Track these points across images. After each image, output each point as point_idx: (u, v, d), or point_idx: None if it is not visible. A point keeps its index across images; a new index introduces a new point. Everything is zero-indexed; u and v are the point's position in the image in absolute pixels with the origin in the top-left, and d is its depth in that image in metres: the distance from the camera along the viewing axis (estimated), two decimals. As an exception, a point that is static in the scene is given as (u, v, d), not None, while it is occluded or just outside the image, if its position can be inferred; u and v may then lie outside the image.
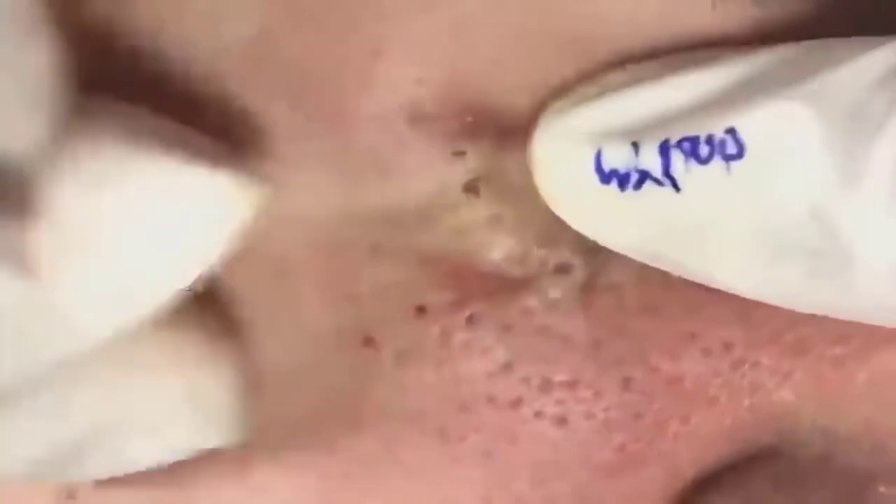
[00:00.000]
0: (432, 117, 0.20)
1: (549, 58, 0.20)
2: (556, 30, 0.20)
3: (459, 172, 0.20)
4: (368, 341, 0.21)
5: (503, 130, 0.20)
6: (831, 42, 0.19)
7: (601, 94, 0.20)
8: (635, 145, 0.19)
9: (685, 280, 0.20)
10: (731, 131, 0.18)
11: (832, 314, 0.19)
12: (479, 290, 0.21)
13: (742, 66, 0.19)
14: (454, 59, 0.20)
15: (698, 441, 0.22)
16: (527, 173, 0.20)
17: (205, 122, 0.19)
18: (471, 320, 0.21)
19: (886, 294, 0.18)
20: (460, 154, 0.20)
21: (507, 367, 0.21)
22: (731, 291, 0.20)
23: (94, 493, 0.22)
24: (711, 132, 0.18)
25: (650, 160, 0.19)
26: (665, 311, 0.21)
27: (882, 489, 0.23)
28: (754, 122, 0.18)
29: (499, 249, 0.21)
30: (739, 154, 0.18)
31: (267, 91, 0.20)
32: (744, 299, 0.20)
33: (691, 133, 0.19)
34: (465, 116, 0.20)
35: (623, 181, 0.19)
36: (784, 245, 0.18)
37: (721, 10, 0.20)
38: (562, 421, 0.21)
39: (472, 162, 0.20)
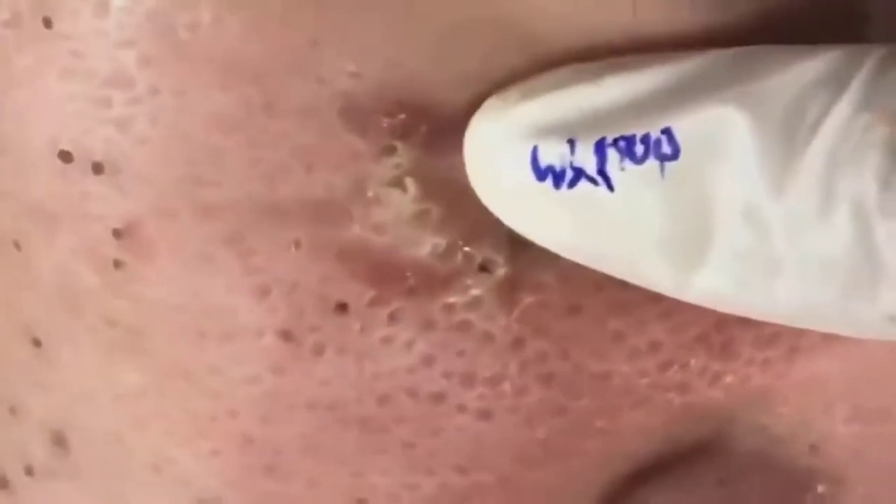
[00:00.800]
0: (365, 112, 0.20)
1: (488, 54, 0.20)
2: (497, 26, 0.20)
3: (387, 167, 0.20)
4: (287, 335, 0.21)
5: (436, 126, 0.20)
6: (769, 48, 0.19)
7: (540, 90, 0.20)
8: (571, 142, 0.19)
9: (613, 281, 0.20)
10: (666, 131, 0.18)
11: (761, 318, 0.19)
12: (402, 287, 0.21)
13: (681, 68, 0.19)
14: (391, 54, 0.20)
15: (628, 437, 0.22)
16: (454, 170, 0.20)
17: None
18: (392, 317, 0.21)
19: (811, 298, 0.18)
20: (390, 149, 0.20)
21: (429, 361, 0.21)
22: (662, 293, 0.20)
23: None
24: (647, 131, 0.19)
25: (585, 158, 0.19)
26: (591, 312, 0.21)
27: (821, 489, 0.23)
28: (690, 124, 0.18)
29: (423, 246, 0.21)
30: (674, 155, 0.18)
31: (196, 77, 0.20)
32: (671, 300, 0.20)
33: (627, 132, 0.19)
34: (398, 112, 0.20)
35: (558, 179, 0.19)
36: (715, 247, 0.19)
37: (666, 14, 0.20)
38: (485, 415, 0.21)
39: (401, 157, 0.20)
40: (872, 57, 0.18)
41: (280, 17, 0.20)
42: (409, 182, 0.20)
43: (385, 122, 0.20)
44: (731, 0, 0.20)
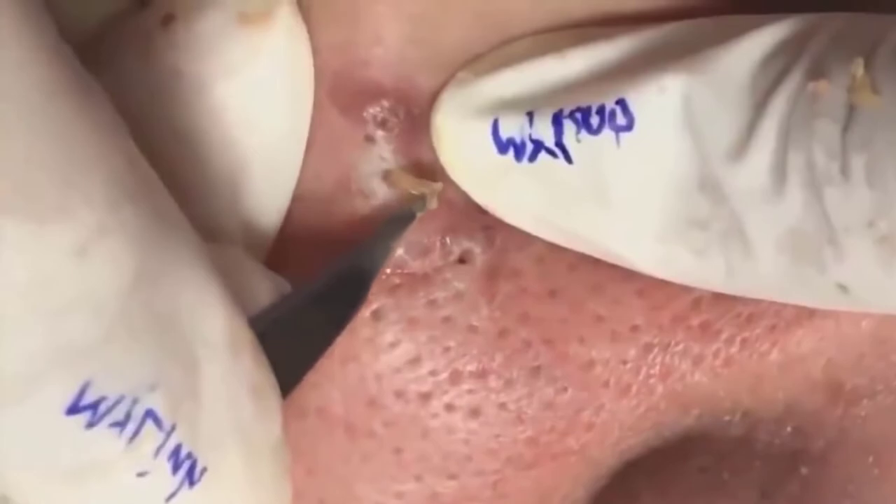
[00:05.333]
0: (351, 93, 0.21)
1: (464, 36, 0.21)
2: (473, 6, 0.21)
3: (372, 158, 0.21)
4: None
5: (416, 113, 0.21)
6: (724, 19, 0.20)
7: (502, 64, 0.20)
8: (530, 115, 0.20)
9: (585, 260, 0.21)
10: (620, 102, 0.19)
11: (720, 289, 0.20)
12: (384, 284, 0.21)
13: (638, 41, 0.20)
14: (374, 33, 0.21)
15: (614, 429, 0.22)
16: (429, 159, 0.21)
17: None
18: (375, 315, 0.21)
19: (767, 267, 0.19)
20: (373, 138, 0.21)
21: (415, 361, 0.21)
22: (627, 266, 0.20)
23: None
24: (602, 103, 0.19)
25: (543, 130, 0.19)
26: (569, 294, 0.22)
27: (804, 470, 0.23)
28: (644, 95, 0.19)
29: (402, 242, 0.21)
30: (629, 126, 0.19)
31: None
32: (644, 280, 0.21)
33: (584, 104, 0.19)
34: (381, 96, 0.21)
35: (519, 151, 0.20)
36: (671, 217, 0.19)
37: None
38: (474, 413, 0.22)
39: (384, 147, 0.21)
40: (828, 27, 0.18)
41: None
42: (396, 174, 0.21)
43: (370, 106, 0.21)
44: None
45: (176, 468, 0.17)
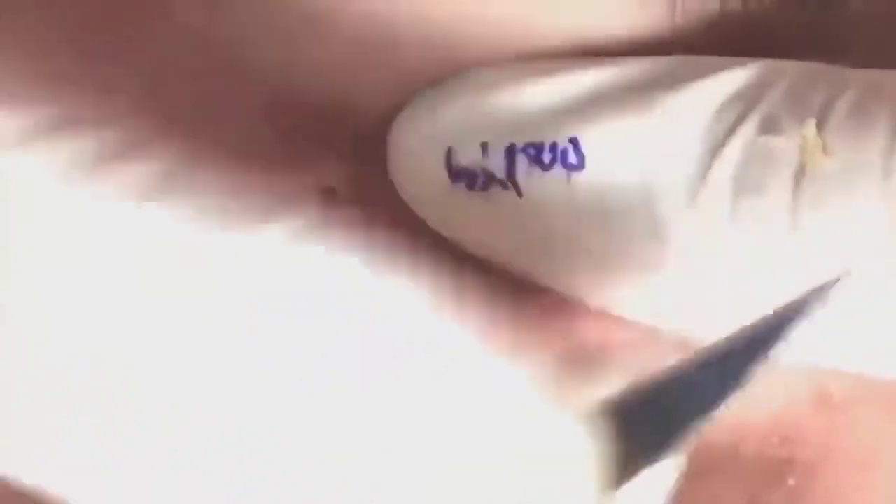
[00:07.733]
0: (289, 113, 0.21)
1: (415, 58, 0.21)
2: (424, 31, 0.21)
3: (311, 179, 0.22)
4: None
5: (360, 133, 0.22)
6: (693, 59, 0.21)
7: (459, 93, 0.21)
8: (484, 146, 0.19)
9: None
10: (573, 141, 0.20)
11: (669, 332, 0.21)
12: None
13: (598, 77, 0.20)
14: (317, 54, 0.21)
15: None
16: (376, 177, 0.22)
17: None
18: None
19: (728, 313, 0.19)
20: (316, 160, 0.22)
21: None
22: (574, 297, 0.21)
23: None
24: (555, 140, 0.19)
25: (496, 162, 0.21)
26: None
27: (791, 482, 0.24)
28: (597, 135, 0.20)
29: None
30: (580, 165, 0.20)
31: None
32: None
33: (537, 139, 0.19)
34: (323, 118, 0.22)
35: (472, 181, 0.20)
36: (623, 259, 0.19)
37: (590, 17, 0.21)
38: None
39: (328, 167, 0.22)
40: (787, 76, 0.19)
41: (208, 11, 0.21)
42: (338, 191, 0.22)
43: (310, 126, 0.21)
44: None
45: None
